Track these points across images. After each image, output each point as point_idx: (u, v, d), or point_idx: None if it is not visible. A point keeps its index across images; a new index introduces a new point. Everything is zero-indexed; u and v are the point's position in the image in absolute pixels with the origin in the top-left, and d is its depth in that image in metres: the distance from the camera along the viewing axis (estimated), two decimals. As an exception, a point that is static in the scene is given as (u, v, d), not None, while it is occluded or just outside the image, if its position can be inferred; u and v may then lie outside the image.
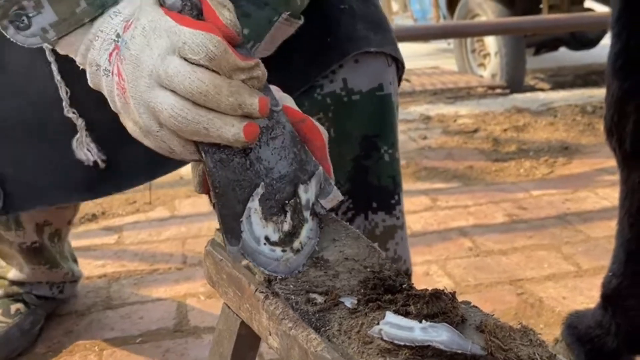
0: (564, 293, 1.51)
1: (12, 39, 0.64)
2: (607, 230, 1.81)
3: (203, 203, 2.18)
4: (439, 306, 0.52)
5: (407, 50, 6.51)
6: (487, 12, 4.50)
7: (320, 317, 0.55)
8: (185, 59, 0.56)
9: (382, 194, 1.00)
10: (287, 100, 0.66)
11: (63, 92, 0.86)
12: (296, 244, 0.62)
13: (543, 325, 1.38)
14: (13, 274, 1.41)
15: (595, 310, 1.15)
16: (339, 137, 0.94)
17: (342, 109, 0.95)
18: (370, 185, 0.99)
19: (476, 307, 0.55)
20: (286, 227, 0.62)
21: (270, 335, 0.60)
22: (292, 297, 0.58)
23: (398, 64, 1.02)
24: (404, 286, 0.57)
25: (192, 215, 2.08)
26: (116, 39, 0.61)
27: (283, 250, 0.61)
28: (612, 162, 2.35)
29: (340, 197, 0.65)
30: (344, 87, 0.94)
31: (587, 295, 1.49)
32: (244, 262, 0.62)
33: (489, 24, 4.12)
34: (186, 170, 2.56)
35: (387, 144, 0.99)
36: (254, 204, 0.61)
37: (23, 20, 0.63)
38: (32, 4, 0.62)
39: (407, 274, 0.57)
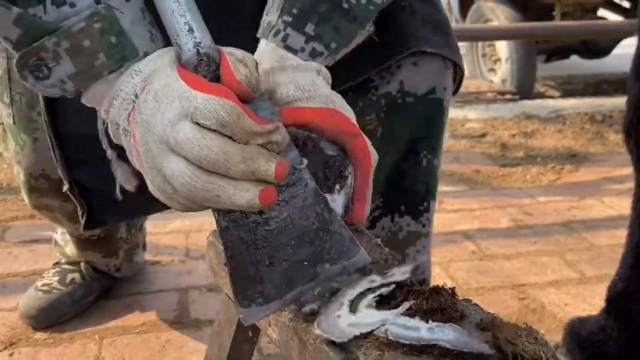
0: (566, 300, 1.51)
1: (31, 88, 0.64)
2: (612, 239, 1.81)
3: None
4: (438, 301, 0.52)
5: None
6: (500, 17, 4.49)
7: (322, 308, 0.55)
8: (198, 124, 0.54)
9: (412, 199, 0.98)
10: (345, 110, 0.65)
11: (100, 122, 0.85)
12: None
13: (544, 331, 1.37)
14: (70, 249, 1.47)
15: (598, 316, 1.15)
16: (386, 138, 0.93)
17: (394, 111, 0.93)
18: (403, 188, 0.97)
19: (477, 304, 0.55)
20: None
21: (269, 326, 0.60)
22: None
23: (456, 67, 0.98)
24: (406, 282, 0.57)
25: (196, 208, 2.08)
26: (135, 99, 0.60)
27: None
28: (619, 171, 2.37)
29: (368, 260, 0.59)
30: (400, 89, 0.92)
31: (589, 303, 1.48)
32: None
33: (500, 28, 4.10)
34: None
35: (427, 148, 0.97)
36: (289, 297, 0.57)
37: (42, 70, 0.62)
38: (51, 55, 0.62)
39: (422, 283, 0.55)
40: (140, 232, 1.54)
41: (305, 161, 0.59)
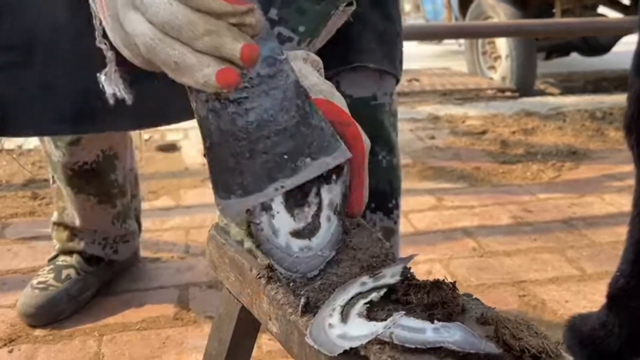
0: (566, 296, 1.51)
1: None
2: (613, 236, 1.81)
3: (208, 194, 2.18)
4: (439, 295, 0.51)
5: (418, 51, 6.50)
6: (500, 14, 4.49)
7: (322, 302, 0.55)
8: None
9: (380, 197, 1.01)
10: (335, 99, 0.63)
11: (97, 21, 0.84)
12: (315, 243, 0.59)
13: (545, 328, 1.37)
14: (69, 216, 1.47)
15: (599, 312, 1.15)
16: None
17: None
18: (369, 189, 0.99)
19: (477, 299, 0.54)
20: (305, 222, 0.59)
21: (270, 320, 0.60)
22: (293, 282, 0.58)
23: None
24: (406, 275, 0.56)
25: (196, 205, 2.08)
26: None
27: (301, 249, 0.59)
28: (619, 169, 2.37)
29: (348, 155, 0.60)
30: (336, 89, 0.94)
31: (590, 300, 1.48)
32: (248, 245, 0.61)
33: (500, 25, 4.10)
34: (191, 161, 2.56)
35: (384, 150, 0.99)
36: (277, 192, 0.57)
37: None
38: None
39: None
40: (135, 199, 1.54)
41: (285, 53, 0.57)
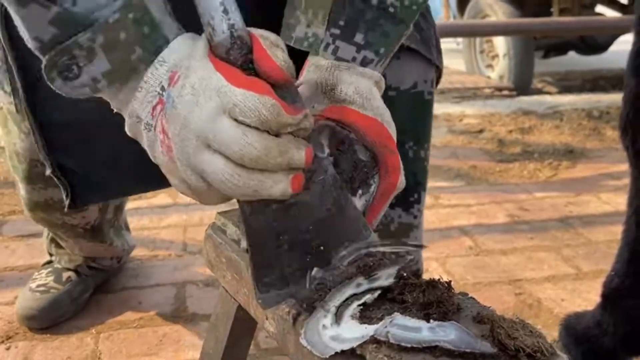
0: (562, 295, 1.51)
1: (58, 91, 0.59)
2: (609, 235, 1.81)
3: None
4: (434, 295, 0.52)
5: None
6: (498, 13, 4.49)
7: (317, 302, 0.55)
8: (235, 120, 0.53)
9: (402, 191, 1.00)
10: (390, 125, 0.65)
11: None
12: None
13: (541, 326, 1.38)
14: (74, 253, 1.46)
15: (594, 311, 1.15)
16: None
17: None
18: None
19: (473, 298, 0.55)
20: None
21: (266, 319, 0.60)
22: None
23: (436, 67, 1.01)
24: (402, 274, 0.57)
25: (194, 203, 2.08)
26: (161, 92, 0.57)
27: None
28: (616, 168, 2.37)
29: (376, 244, 0.61)
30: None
31: (585, 298, 1.48)
32: (244, 245, 0.62)
33: (498, 24, 4.10)
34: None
35: (412, 140, 0.98)
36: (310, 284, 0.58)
37: (72, 69, 0.58)
38: (85, 52, 0.57)
39: (417, 274, 0.56)
40: (121, 213, 1.52)
41: (327, 149, 0.60)
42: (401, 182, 0.65)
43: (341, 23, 0.72)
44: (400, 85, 0.95)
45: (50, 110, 0.96)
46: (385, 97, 0.94)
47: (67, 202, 1.03)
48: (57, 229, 1.34)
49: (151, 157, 0.61)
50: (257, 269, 0.57)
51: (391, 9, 0.74)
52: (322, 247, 0.59)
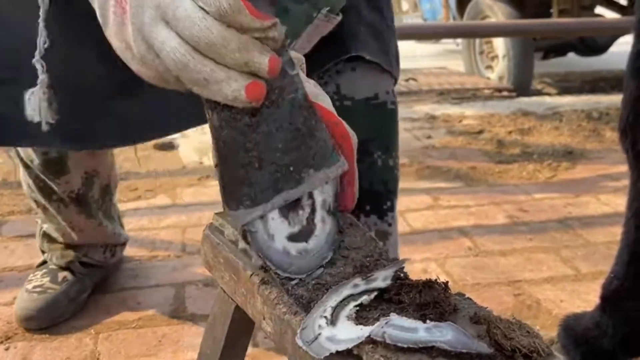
0: (561, 296, 1.51)
1: None
2: (608, 236, 1.81)
3: (204, 192, 2.19)
4: (431, 295, 0.52)
5: (415, 50, 6.50)
6: (497, 14, 4.49)
7: (315, 302, 0.55)
8: (196, 3, 0.52)
9: (374, 199, 1.00)
10: (322, 99, 0.64)
11: (41, 40, 0.81)
12: (312, 246, 0.60)
13: (539, 327, 1.38)
14: (66, 235, 1.45)
15: (593, 312, 1.15)
16: None
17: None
18: (361, 190, 0.98)
19: (470, 299, 0.55)
20: (300, 226, 0.60)
21: (264, 319, 0.60)
22: (287, 282, 0.58)
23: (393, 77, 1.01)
24: (401, 275, 0.57)
25: (193, 204, 2.08)
26: None
27: (299, 252, 0.59)
28: (615, 169, 2.37)
29: (346, 167, 0.61)
30: (336, 91, 0.94)
31: (584, 299, 1.48)
32: (242, 245, 0.62)
33: (498, 25, 4.11)
34: (188, 160, 2.57)
35: (380, 149, 0.98)
36: (282, 204, 0.58)
37: None
38: None
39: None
40: (110, 200, 1.51)
41: (297, 68, 0.58)
42: (354, 141, 0.64)
43: None
44: (355, 96, 0.95)
45: None
46: (341, 107, 0.94)
47: None
48: (47, 201, 1.34)
49: (99, 16, 0.59)
50: (227, 185, 0.57)
51: None
52: (291, 167, 0.58)
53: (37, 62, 0.78)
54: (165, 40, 0.53)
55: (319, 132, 0.59)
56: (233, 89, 0.53)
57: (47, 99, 0.81)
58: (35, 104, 0.81)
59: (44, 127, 0.83)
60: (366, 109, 0.96)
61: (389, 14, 1.02)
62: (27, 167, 1.35)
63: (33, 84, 0.82)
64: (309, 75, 0.88)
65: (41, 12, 0.79)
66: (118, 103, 0.75)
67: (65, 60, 0.84)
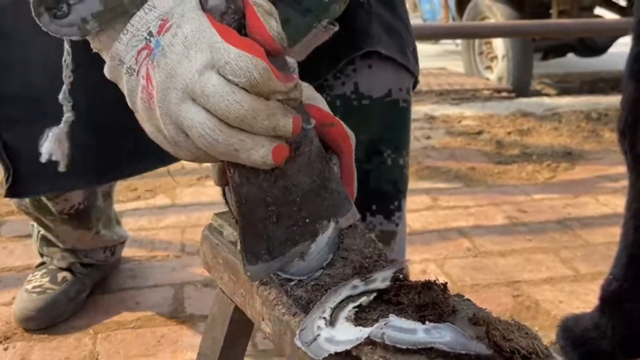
0: (560, 297, 1.51)
1: (44, 28, 0.58)
2: (607, 237, 1.81)
3: (204, 192, 2.19)
4: (430, 296, 0.52)
5: (415, 50, 6.52)
6: (497, 15, 4.49)
7: (314, 303, 0.55)
8: (225, 77, 0.52)
9: (382, 198, 0.99)
10: (318, 101, 0.64)
11: (66, 78, 0.79)
12: (312, 248, 0.60)
13: (538, 328, 1.38)
14: (65, 243, 1.44)
15: (592, 313, 1.15)
16: None
17: (351, 112, 0.93)
18: (370, 189, 0.98)
19: (469, 300, 0.55)
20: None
21: (263, 320, 0.60)
22: (286, 283, 0.58)
23: (410, 72, 0.99)
24: (399, 276, 0.57)
25: (192, 204, 2.08)
26: (148, 38, 0.55)
27: (300, 255, 0.60)
28: (614, 170, 2.38)
29: (358, 217, 0.62)
30: (354, 90, 0.94)
31: (583, 300, 1.48)
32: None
33: (497, 25, 4.11)
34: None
35: (390, 148, 0.97)
36: (292, 254, 0.58)
37: (62, 7, 0.56)
38: None
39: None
40: (111, 204, 1.51)
41: (313, 121, 0.59)
42: (352, 141, 0.64)
43: None
44: (373, 94, 0.95)
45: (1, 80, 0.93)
46: (359, 106, 0.94)
47: (6, 187, 0.98)
48: (43, 217, 1.33)
49: (129, 103, 0.59)
50: (247, 239, 0.57)
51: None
52: (307, 220, 0.59)
53: (64, 99, 0.77)
54: (194, 117, 0.53)
55: (333, 183, 0.60)
56: (261, 155, 0.53)
57: (68, 137, 0.80)
58: (54, 143, 0.80)
59: (61, 168, 0.82)
60: (381, 107, 0.96)
61: (402, 11, 1.01)
62: None
63: (56, 122, 0.81)
64: (305, 79, 0.88)
65: (66, 46, 0.77)
66: (139, 133, 0.74)
67: (89, 96, 0.83)
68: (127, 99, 0.59)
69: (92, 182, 1.08)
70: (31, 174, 0.96)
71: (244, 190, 0.56)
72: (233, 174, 0.56)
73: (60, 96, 0.77)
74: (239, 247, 0.59)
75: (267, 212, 0.57)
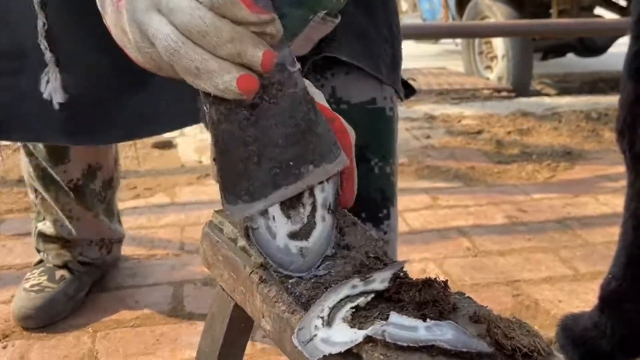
0: (560, 296, 1.51)
1: None
2: (606, 236, 1.81)
3: (203, 191, 2.19)
4: (430, 294, 0.52)
5: (415, 50, 6.50)
6: (497, 14, 4.49)
7: (314, 300, 0.55)
8: None
9: (370, 207, 0.98)
10: (316, 96, 0.64)
11: (40, 22, 0.81)
12: (311, 244, 0.60)
13: (538, 327, 1.37)
14: (64, 228, 1.44)
15: (591, 313, 1.15)
16: None
17: None
18: (357, 196, 0.98)
19: (470, 297, 0.55)
20: (301, 224, 0.60)
21: (263, 317, 0.60)
22: (287, 280, 0.58)
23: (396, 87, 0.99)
24: (400, 274, 0.57)
25: (192, 202, 2.08)
26: None
27: (299, 250, 0.59)
28: (614, 169, 2.38)
29: (346, 164, 0.61)
30: (332, 94, 0.94)
31: (583, 299, 1.48)
32: (241, 243, 0.62)
33: (497, 25, 4.11)
34: (187, 158, 2.56)
35: (377, 156, 0.97)
36: (281, 199, 0.58)
37: None
38: None
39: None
40: (112, 195, 1.51)
41: (298, 65, 0.58)
42: (352, 136, 0.64)
43: None
44: (352, 99, 0.94)
45: None
46: (338, 110, 0.92)
47: None
48: (46, 191, 1.34)
49: (98, 5, 0.60)
50: (224, 179, 0.56)
51: None
52: (291, 163, 0.58)
53: (41, 42, 0.78)
54: (159, 27, 0.53)
55: (320, 128, 0.59)
56: (224, 80, 0.53)
57: (61, 79, 0.81)
58: (49, 83, 0.81)
59: (55, 107, 0.83)
60: (363, 114, 0.95)
61: (384, 19, 0.99)
62: (29, 154, 1.36)
63: (41, 68, 0.82)
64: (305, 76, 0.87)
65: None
66: (125, 96, 0.75)
67: (68, 40, 0.84)
68: (97, 1, 0.60)
69: (70, 140, 1.08)
70: (7, 120, 0.98)
71: (222, 128, 0.56)
72: (210, 110, 0.55)
73: (38, 38, 0.77)
74: (219, 188, 0.57)
75: (247, 152, 0.56)
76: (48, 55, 0.79)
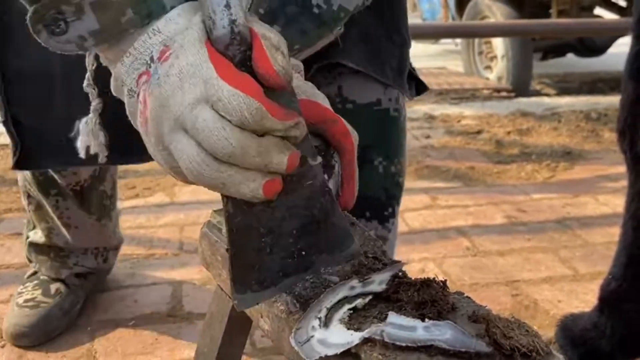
0: (559, 296, 1.51)
1: (44, 44, 0.58)
2: (606, 237, 1.81)
3: (202, 191, 2.18)
4: (429, 294, 0.52)
5: (414, 50, 6.51)
6: (496, 14, 4.49)
7: (313, 301, 0.55)
8: (217, 113, 0.51)
9: (375, 205, 0.99)
10: (319, 98, 0.63)
11: (89, 64, 0.79)
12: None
13: (537, 327, 1.37)
14: (59, 237, 1.38)
15: (591, 313, 1.15)
16: None
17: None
18: (362, 196, 0.97)
19: (469, 297, 0.55)
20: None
21: (261, 317, 0.60)
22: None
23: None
24: (398, 274, 0.57)
25: (191, 202, 2.08)
26: (149, 63, 0.55)
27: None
28: (614, 169, 2.37)
29: (360, 254, 0.60)
30: (338, 93, 0.94)
31: (582, 300, 1.48)
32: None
33: (497, 25, 4.11)
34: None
35: (381, 156, 0.98)
36: (284, 285, 0.57)
37: (60, 25, 0.56)
38: (73, 9, 0.55)
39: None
40: (115, 199, 1.48)
41: (319, 158, 0.58)
42: (355, 138, 0.64)
43: (261, 11, 0.71)
44: (357, 99, 0.95)
45: (16, 56, 0.94)
46: (343, 109, 0.94)
47: (13, 160, 0.99)
48: (44, 197, 1.31)
49: (132, 123, 0.59)
50: (237, 269, 0.56)
51: (315, 10, 0.74)
52: (303, 252, 0.58)
53: (88, 86, 0.77)
54: (184, 148, 0.53)
55: (335, 218, 0.59)
56: (251, 188, 0.53)
57: (99, 127, 0.80)
58: (91, 133, 0.80)
59: (101, 160, 0.84)
60: (368, 115, 0.96)
61: (393, 22, 0.99)
62: None
63: (64, 98, 0.82)
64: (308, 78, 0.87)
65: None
66: None
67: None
68: (130, 119, 0.59)
69: (95, 162, 1.08)
70: (37, 147, 0.98)
71: (237, 221, 0.56)
72: (226, 203, 0.55)
73: (85, 83, 0.77)
74: (228, 274, 0.57)
75: (261, 243, 0.56)
76: (96, 102, 0.78)
